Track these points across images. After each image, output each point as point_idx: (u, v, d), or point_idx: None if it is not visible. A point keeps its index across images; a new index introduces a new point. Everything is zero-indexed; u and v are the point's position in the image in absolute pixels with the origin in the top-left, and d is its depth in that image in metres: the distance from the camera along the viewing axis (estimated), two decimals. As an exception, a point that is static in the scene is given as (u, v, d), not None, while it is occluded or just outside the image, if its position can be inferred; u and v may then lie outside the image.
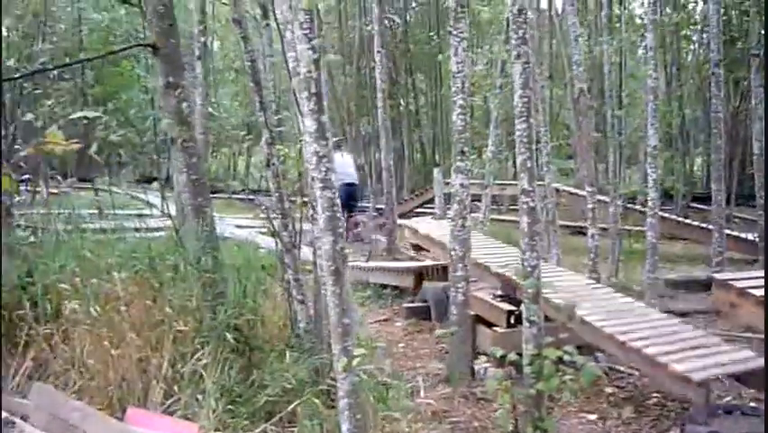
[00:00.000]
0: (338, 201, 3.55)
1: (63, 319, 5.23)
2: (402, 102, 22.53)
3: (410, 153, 23.32)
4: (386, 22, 22.61)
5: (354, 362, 3.53)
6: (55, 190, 18.29)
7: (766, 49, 9.36)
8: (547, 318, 4.85)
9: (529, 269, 4.38)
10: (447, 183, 15.07)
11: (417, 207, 16.04)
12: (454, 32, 5.69)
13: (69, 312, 5.11)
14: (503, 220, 15.00)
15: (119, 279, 5.25)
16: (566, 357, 4.16)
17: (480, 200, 12.22)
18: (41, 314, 5.42)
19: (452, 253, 5.93)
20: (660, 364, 4.89)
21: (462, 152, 5.82)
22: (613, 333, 5.37)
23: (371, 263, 10.41)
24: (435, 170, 13.96)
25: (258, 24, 6.37)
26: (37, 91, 8.07)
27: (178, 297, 5.20)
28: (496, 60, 11.44)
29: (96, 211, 10.83)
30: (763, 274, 6.71)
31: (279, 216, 5.10)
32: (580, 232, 12.47)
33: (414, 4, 25.34)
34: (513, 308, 6.56)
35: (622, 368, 6.25)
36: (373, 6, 13.00)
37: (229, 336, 4.94)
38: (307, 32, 3.38)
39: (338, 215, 3.53)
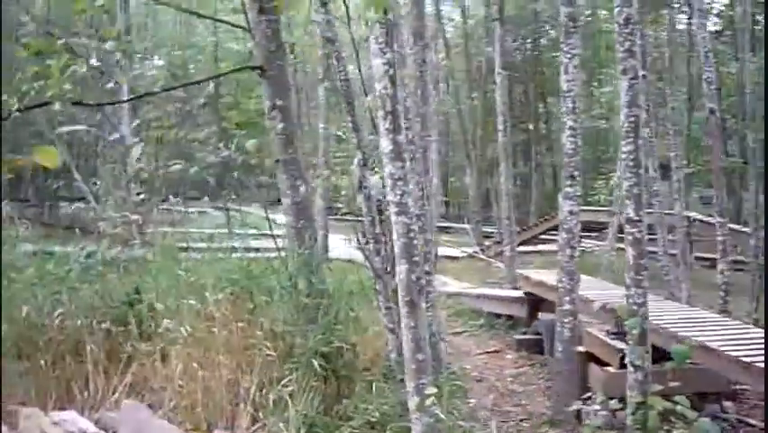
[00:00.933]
0: (415, 228, 3.31)
1: (160, 338, 5.29)
2: (531, 126, 21.94)
3: (539, 178, 22.65)
4: (516, 44, 22.28)
5: (428, 401, 3.26)
6: (193, 210, 19.20)
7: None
8: (663, 358, 4.36)
9: (634, 306, 3.93)
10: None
11: (541, 233, 15.41)
12: (565, 48, 5.32)
13: (164, 331, 5.16)
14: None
15: (213, 299, 5.26)
16: (677, 408, 3.67)
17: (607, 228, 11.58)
18: (145, 331, 5.53)
19: (560, 285, 5.51)
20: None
21: (572, 177, 5.42)
22: (738, 356, 4.75)
23: (484, 291, 10.02)
24: (560, 196, 13.33)
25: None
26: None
27: (269, 320, 5.13)
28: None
29: (226, 231, 11.21)
30: None
31: (372, 241, 4.91)
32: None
33: (547, 27, 24.75)
34: (624, 346, 6.05)
35: (754, 422, 5.55)
36: (496, 27, 12.67)
37: (315, 363, 4.80)
38: (382, 45, 3.20)
39: (415, 242, 3.28)
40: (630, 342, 3.97)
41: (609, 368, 5.85)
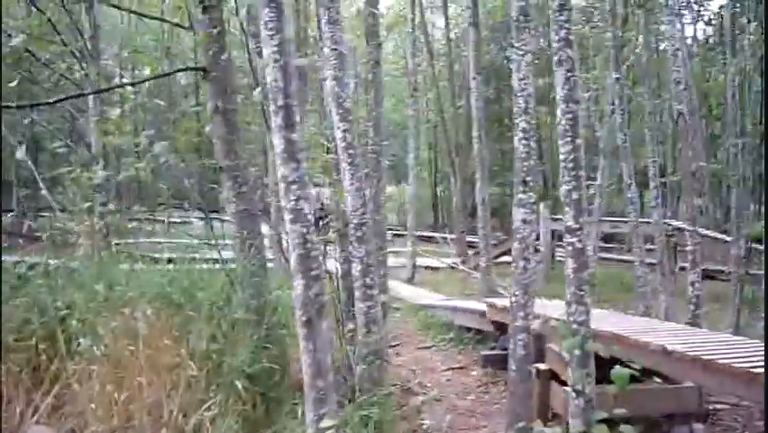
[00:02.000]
0: (313, 237, 2.93)
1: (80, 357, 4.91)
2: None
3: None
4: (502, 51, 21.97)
5: (329, 434, 2.87)
6: (177, 220, 18.80)
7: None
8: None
9: (575, 325, 3.55)
10: (556, 219, 14.10)
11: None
12: (517, 44, 4.96)
13: (83, 350, 4.78)
14: (618, 260, 13.75)
15: (137, 315, 4.88)
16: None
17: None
18: (74, 350, 5.13)
19: (513, 298, 5.12)
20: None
21: (525, 183, 5.04)
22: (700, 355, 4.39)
23: (454, 303, 9.63)
24: (542, 206, 12.99)
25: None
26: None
27: (197, 337, 4.75)
28: (604, 87, 10.46)
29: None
30: None
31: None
32: (709, 276, 11.06)
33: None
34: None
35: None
36: (470, 31, 12.29)
37: (239, 385, 4.41)
38: (273, 32, 2.82)
39: (312, 253, 2.90)
40: (571, 365, 3.58)
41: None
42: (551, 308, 6.91)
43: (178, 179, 6.33)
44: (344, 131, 4.98)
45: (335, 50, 4.94)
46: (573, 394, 3.57)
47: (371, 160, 6.40)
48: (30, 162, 9.11)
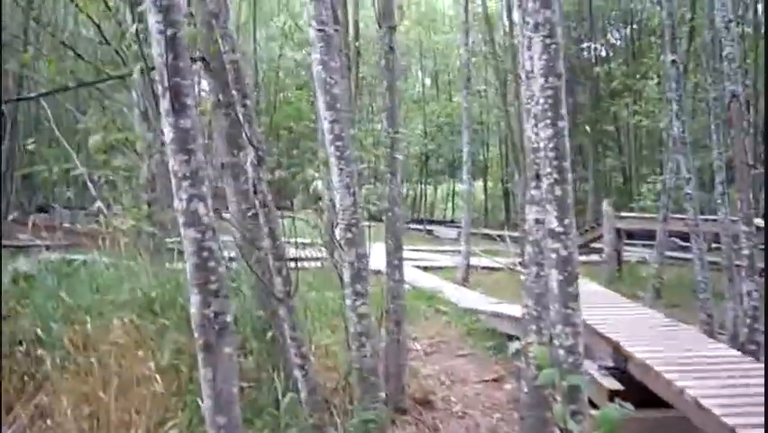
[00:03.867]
0: (211, 245, 2.43)
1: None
2: (589, 128, 20.50)
3: (599, 183, 21.19)
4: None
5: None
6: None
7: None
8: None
9: (561, 351, 2.92)
10: (621, 218, 13.13)
11: (586, 243, 14.08)
12: (527, 18, 4.31)
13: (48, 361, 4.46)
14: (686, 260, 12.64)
15: (116, 324, 4.53)
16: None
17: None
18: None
19: (524, 310, 4.49)
20: None
21: (538, 177, 4.38)
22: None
23: (498, 308, 8.95)
24: (605, 203, 12.11)
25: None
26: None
27: (168, 349, 4.36)
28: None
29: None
30: None
31: (273, 258, 4.05)
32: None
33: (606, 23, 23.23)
34: (618, 386, 4.96)
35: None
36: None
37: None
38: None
39: (210, 264, 2.40)
40: (555, 399, 2.95)
41: (594, 412, 4.79)
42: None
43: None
44: (332, 121, 4.47)
45: (321, 31, 4.44)
46: (559, 433, 2.94)
47: (387, 154, 5.88)
48: (76, 158, 9.03)
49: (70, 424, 4.30)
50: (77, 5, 10.05)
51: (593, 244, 14.06)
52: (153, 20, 2.35)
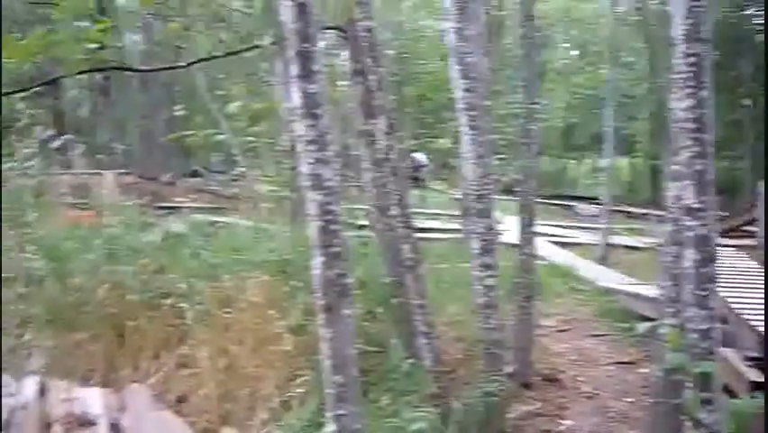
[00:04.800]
0: (335, 208, 2.48)
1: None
2: (750, 102, 18.99)
3: (758, 162, 19.63)
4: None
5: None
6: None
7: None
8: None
9: (694, 335, 2.74)
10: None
11: (738, 226, 13.12)
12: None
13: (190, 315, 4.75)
14: None
15: (250, 283, 4.75)
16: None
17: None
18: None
19: (661, 290, 4.28)
20: None
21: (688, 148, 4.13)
22: None
23: (637, 289, 8.56)
24: (760, 184, 11.23)
25: None
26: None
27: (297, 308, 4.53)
28: None
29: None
30: None
31: (401, 225, 4.08)
32: None
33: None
34: (761, 378, 4.62)
35: None
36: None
37: (329, 364, 4.09)
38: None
39: (333, 227, 2.46)
40: (688, 386, 2.79)
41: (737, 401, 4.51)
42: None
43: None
44: (466, 90, 4.42)
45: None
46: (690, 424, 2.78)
47: (521, 125, 5.75)
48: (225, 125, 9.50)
49: (209, 374, 4.58)
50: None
51: (747, 228, 13.11)
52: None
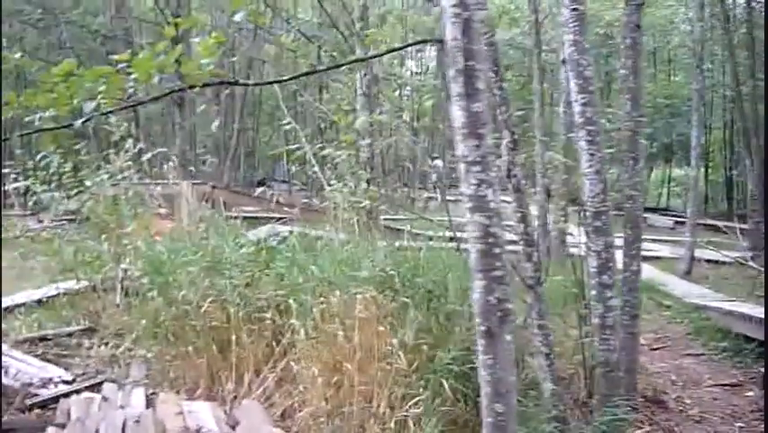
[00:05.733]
0: (497, 231, 2.40)
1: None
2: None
3: None
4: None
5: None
6: (451, 198, 19.12)
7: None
8: None
9: None
10: None
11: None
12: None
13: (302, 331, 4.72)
14: None
15: (346, 298, 4.69)
16: None
17: None
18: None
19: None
20: None
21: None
22: None
23: (734, 306, 8.23)
24: None
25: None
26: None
27: (408, 327, 4.45)
28: None
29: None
30: None
31: (522, 243, 3.98)
32: None
33: None
34: None
35: None
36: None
37: (446, 384, 4.02)
38: (452, -20, 2.32)
39: (495, 250, 2.38)
40: None
41: None
42: None
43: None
44: (584, 104, 4.29)
45: (575, 10, 4.26)
46: None
47: (628, 138, 5.57)
48: (304, 139, 9.56)
49: (317, 390, 4.54)
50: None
51: None
52: (448, 3, 2.34)
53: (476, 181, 2.36)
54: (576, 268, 5.45)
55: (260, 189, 19.31)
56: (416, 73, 28.43)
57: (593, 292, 4.31)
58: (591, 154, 4.29)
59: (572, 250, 8.41)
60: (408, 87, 20.51)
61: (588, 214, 4.32)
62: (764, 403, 3.31)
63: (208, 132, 20.12)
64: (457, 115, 2.37)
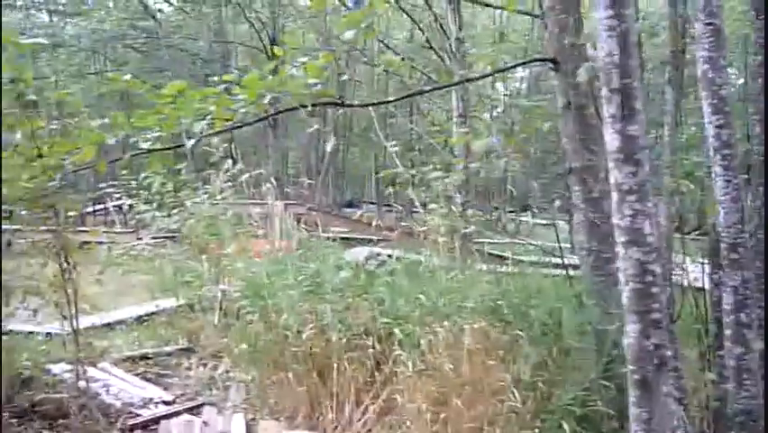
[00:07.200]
0: (656, 268, 2.13)
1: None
2: None
3: None
4: None
5: None
6: (543, 222, 18.57)
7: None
8: None
9: None
10: None
11: None
12: None
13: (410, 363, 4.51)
14: None
15: (467, 330, 4.45)
16: None
17: None
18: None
19: None
20: None
21: None
22: None
23: None
24: None
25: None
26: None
27: (522, 362, 4.17)
28: None
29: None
30: None
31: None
32: None
33: None
34: None
35: None
36: None
37: (567, 428, 3.71)
38: (611, -10, 2.09)
39: (653, 290, 2.11)
40: None
41: None
42: None
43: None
44: (719, 126, 3.94)
45: (711, 24, 3.93)
46: None
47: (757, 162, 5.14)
48: (398, 161, 9.42)
49: (423, 425, 4.32)
50: (401, 9, 10.48)
51: None
52: (603, 15, 2.11)
53: (632, 212, 2.10)
54: (698, 303, 5.06)
55: (349, 210, 19.37)
56: (505, 95, 28.07)
57: (728, 332, 3.93)
58: (727, 180, 3.93)
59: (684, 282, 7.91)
60: (499, 109, 20.20)
61: (723, 246, 3.96)
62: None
63: (300, 153, 20.34)
64: (611, 138, 2.13)
